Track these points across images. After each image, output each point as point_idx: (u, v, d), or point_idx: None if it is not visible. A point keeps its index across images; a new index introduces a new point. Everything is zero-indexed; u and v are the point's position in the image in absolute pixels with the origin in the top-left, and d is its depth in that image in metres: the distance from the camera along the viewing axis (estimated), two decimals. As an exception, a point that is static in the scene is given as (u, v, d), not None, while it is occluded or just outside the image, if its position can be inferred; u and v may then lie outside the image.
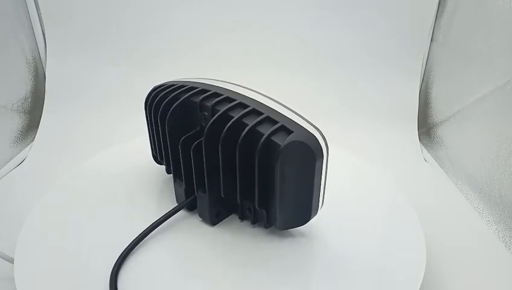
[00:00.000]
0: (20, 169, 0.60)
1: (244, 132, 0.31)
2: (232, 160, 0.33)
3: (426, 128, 0.71)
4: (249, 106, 0.33)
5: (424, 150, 0.67)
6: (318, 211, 0.34)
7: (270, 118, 0.32)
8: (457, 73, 0.63)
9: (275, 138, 0.30)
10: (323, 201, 0.34)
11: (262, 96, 0.35)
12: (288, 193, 0.32)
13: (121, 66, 0.73)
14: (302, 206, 0.33)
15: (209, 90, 0.36)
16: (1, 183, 0.56)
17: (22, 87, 0.69)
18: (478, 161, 0.54)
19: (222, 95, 0.35)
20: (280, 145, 0.29)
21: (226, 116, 0.33)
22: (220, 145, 0.32)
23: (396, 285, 0.32)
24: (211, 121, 0.33)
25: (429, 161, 0.64)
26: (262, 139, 0.30)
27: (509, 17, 0.51)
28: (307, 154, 0.30)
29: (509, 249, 0.45)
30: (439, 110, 0.69)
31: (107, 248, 0.34)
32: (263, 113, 0.32)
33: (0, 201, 0.52)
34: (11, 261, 0.34)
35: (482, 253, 0.45)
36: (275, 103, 0.34)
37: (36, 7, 0.70)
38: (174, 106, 0.35)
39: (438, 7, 0.68)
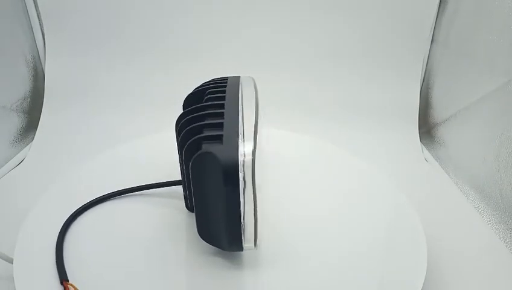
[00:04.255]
0: (19, 169, 0.60)
1: (187, 128, 0.31)
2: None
3: (427, 128, 0.71)
4: (223, 109, 0.32)
5: (425, 150, 0.67)
6: (245, 249, 0.31)
7: (222, 125, 0.30)
8: (458, 73, 0.63)
9: (205, 143, 0.29)
10: (255, 241, 0.31)
11: (253, 107, 0.33)
12: (200, 203, 0.31)
13: (120, 66, 0.73)
14: (218, 228, 0.31)
15: (223, 87, 0.36)
16: (0, 183, 0.56)
17: (21, 87, 0.69)
18: (479, 160, 0.54)
19: (223, 93, 0.34)
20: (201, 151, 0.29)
21: (197, 111, 0.33)
22: (176, 136, 0.33)
23: (397, 285, 0.32)
24: (182, 112, 0.33)
25: (430, 161, 0.64)
26: (191, 139, 0.29)
27: (509, 17, 0.51)
28: (219, 172, 0.28)
29: (510, 250, 0.45)
30: (439, 110, 0.69)
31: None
32: (223, 119, 0.31)
33: (0, 201, 0.52)
34: (11, 261, 0.34)
35: (482, 253, 0.45)
36: (253, 117, 0.32)
37: (35, 6, 0.70)
38: (189, 94, 0.37)
39: (439, 7, 0.68)
